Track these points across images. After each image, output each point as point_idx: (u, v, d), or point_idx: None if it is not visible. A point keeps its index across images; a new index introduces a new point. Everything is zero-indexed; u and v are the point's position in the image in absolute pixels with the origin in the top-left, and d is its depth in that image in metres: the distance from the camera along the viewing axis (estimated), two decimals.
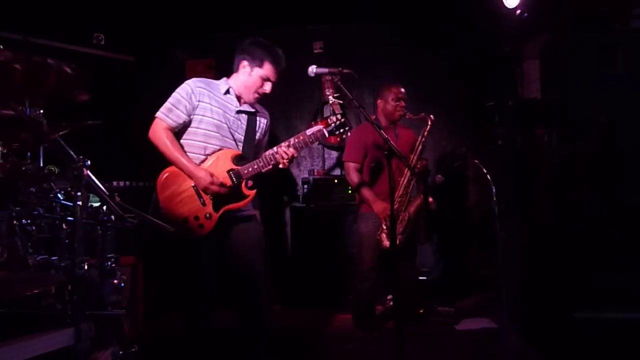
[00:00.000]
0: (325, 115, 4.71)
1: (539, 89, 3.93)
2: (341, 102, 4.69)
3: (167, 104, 2.39)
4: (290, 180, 4.69)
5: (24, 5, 3.98)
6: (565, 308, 3.02)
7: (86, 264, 1.48)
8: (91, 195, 3.52)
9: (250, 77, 2.49)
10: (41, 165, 2.27)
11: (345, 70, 2.43)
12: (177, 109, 2.38)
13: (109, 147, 4.40)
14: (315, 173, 4.29)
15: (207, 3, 4.39)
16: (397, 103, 3.38)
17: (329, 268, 4.06)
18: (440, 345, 3.24)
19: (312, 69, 2.47)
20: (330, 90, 4.66)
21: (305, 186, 4.23)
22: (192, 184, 2.36)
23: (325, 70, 2.47)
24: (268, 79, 2.51)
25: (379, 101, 3.45)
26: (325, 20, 4.73)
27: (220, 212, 2.39)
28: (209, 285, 2.48)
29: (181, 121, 2.39)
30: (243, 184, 2.44)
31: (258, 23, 4.52)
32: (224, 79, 2.56)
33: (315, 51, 4.76)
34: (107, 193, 2.00)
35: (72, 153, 1.85)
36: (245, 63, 2.49)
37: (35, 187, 1.89)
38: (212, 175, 2.36)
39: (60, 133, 2.13)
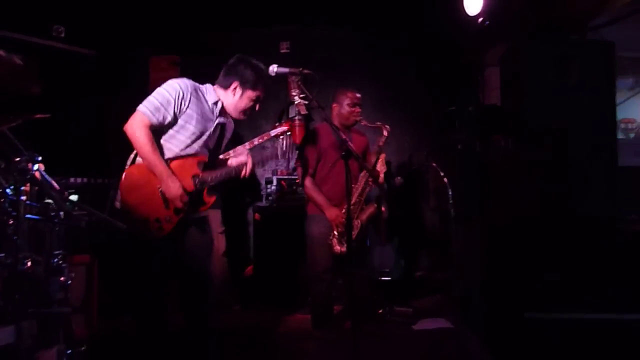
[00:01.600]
0: (290, 116, 4.72)
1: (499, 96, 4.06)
2: (307, 102, 4.74)
3: (154, 102, 2.30)
4: (254, 180, 4.68)
5: None
6: (518, 309, 3.12)
7: (30, 260, 1.44)
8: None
9: (241, 99, 2.50)
10: None
11: (305, 71, 2.46)
12: (166, 109, 2.31)
13: (68, 143, 4.30)
14: (279, 173, 4.28)
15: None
16: (353, 108, 3.39)
17: (290, 268, 4.06)
18: (396, 344, 3.28)
19: (273, 68, 2.48)
20: (297, 91, 4.63)
21: (269, 186, 4.22)
22: (159, 187, 2.33)
23: (286, 70, 2.48)
24: (258, 99, 2.55)
25: (333, 105, 3.45)
26: (293, 21, 4.74)
27: (180, 216, 2.38)
28: (162, 285, 2.47)
29: (165, 122, 2.34)
30: (205, 190, 2.45)
31: (225, 21, 4.51)
32: (211, 87, 2.52)
33: (282, 51, 4.77)
34: (59, 189, 1.97)
35: (20, 147, 1.81)
36: (236, 84, 2.48)
37: None
38: (182, 187, 2.33)
39: (8, 126, 2.06)
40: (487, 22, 3.91)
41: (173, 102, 2.31)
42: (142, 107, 2.28)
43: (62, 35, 4.38)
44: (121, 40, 4.75)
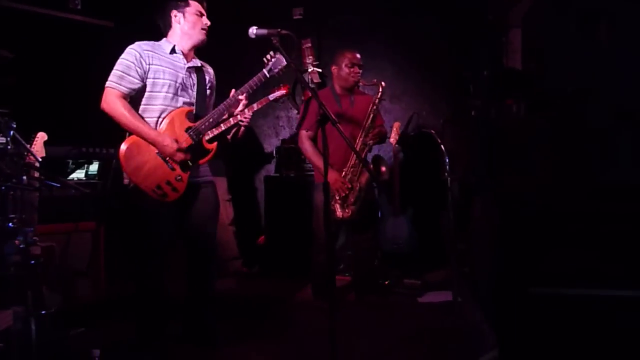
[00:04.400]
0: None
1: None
2: (320, 70, 4.64)
3: (115, 72, 2.34)
4: (262, 150, 4.66)
5: None
6: (523, 283, 2.97)
7: None
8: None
9: (186, 20, 2.48)
10: None
11: (283, 32, 2.35)
12: (129, 75, 2.34)
13: (87, 114, 4.41)
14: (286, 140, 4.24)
15: None
16: (352, 69, 3.30)
17: (299, 238, 4.04)
18: (397, 315, 3.22)
19: (252, 31, 2.39)
20: (310, 58, 4.55)
21: (277, 155, 4.19)
22: (157, 151, 2.35)
23: (265, 31, 2.38)
24: (201, 12, 2.52)
25: (333, 67, 3.39)
26: None
27: (188, 172, 2.43)
28: (165, 250, 2.51)
29: (135, 87, 2.36)
30: (204, 139, 2.48)
31: None
32: (164, 39, 2.53)
33: (295, 17, 4.65)
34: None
35: None
36: (174, 12, 2.48)
37: None
38: (176, 140, 2.36)
39: None
40: None
41: (133, 65, 2.33)
42: (108, 82, 2.33)
43: (79, 7, 4.43)
44: (139, 10, 4.77)
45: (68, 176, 3.71)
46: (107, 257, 3.36)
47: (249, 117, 3.76)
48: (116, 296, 3.32)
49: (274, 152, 4.32)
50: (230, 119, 3.69)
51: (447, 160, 2.90)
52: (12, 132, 1.95)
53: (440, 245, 4.33)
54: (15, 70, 3.12)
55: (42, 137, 3.00)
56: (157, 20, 2.54)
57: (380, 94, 3.22)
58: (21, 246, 1.72)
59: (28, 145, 2.81)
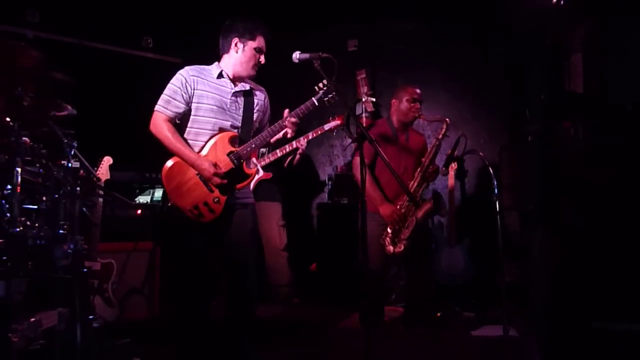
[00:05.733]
0: (357, 113, 4.67)
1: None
2: (374, 100, 4.69)
3: (163, 97, 2.44)
4: (317, 177, 4.71)
5: (79, 13, 4.41)
6: (585, 317, 2.75)
7: (22, 225, 1.61)
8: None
9: (244, 52, 2.54)
10: None
11: (324, 55, 2.42)
12: (175, 99, 2.43)
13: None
14: (339, 169, 4.27)
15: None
16: (413, 104, 3.28)
17: (351, 265, 4.00)
18: (443, 347, 3.07)
19: (296, 55, 2.48)
20: (365, 89, 4.62)
21: (330, 182, 4.23)
22: (197, 173, 2.42)
23: (307, 55, 2.46)
24: (261, 50, 2.57)
25: (393, 101, 3.36)
26: (360, 19, 4.70)
27: (227, 195, 2.45)
28: (203, 272, 2.53)
29: (180, 111, 2.45)
30: (244, 164, 2.51)
31: (294, 22, 4.61)
32: (215, 63, 2.61)
33: (350, 49, 4.76)
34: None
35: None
36: (236, 40, 2.54)
37: None
38: (215, 165, 2.41)
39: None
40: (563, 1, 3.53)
41: (179, 90, 2.42)
42: (156, 106, 2.44)
43: (150, 45, 4.81)
44: (205, 47, 5.09)
45: (134, 199, 3.96)
46: (163, 277, 3.49)
47: (304, 144, 3.84)
48: (168, 315, 3.43)
49: (327, 179, 4.36)
50: (287, 146, 3.79)
51: (496, 189, 2.77)
52: (73, 151, 2.12)
53: (497, 278, 4.12)
54: (90, 101, 3.42)
55: (107, 160, 3.24)
56: (219, 38, 2.61)
57: (444, 130, 3.18)
58: (69, 251, 1.84)
59: (94, 169, 3.05)
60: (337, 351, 2.99)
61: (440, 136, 3.22)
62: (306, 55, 2.50)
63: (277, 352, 2.91)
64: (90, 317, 1.94)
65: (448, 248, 4.11)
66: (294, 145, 3.74)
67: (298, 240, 4.31)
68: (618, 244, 2.85)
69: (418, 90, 3.35)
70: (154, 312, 3.44)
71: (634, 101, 2.90)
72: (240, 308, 2.57)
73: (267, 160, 3.83)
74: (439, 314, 3.56)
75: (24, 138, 1.65)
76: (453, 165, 4.19)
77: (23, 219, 1.60)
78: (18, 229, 1.57)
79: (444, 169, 3.03)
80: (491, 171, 2.63)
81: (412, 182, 3.20)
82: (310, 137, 3.75)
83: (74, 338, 1.83)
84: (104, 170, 3.18)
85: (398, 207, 3.15)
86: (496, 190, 2.58)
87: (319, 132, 3.75)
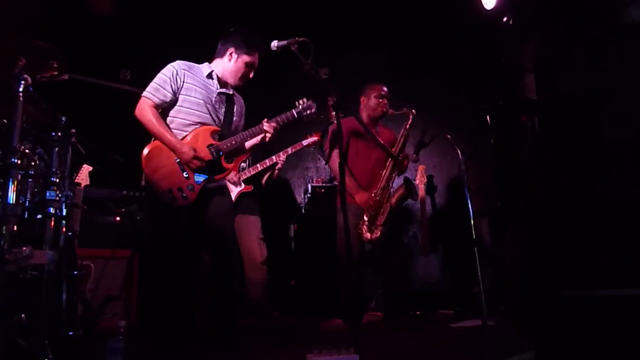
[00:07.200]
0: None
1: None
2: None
3: (153, 84, 2.57)
4: (291, 191, 4.82)
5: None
6: (555, 287, 2.85)
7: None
8: None
9: (236, 63, 2.71)
10: None
11: (301, 39, 2.62)
12: (164, 88, 2.56)
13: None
14: (314, 181, 4.40)
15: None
16: (381, 100, 3.51)
17: (328, 275, 4.03)
18: (425, 334, 3.10)
19: (274, 44, 2.67)
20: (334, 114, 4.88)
21: (306, 195, 4.34)
22: (176, 159, 2.52)
23: (285, 42, 2.66)
24: (252, 66, 2.74)
25: (362, 98, 3.59)
26: (329, 48, 5.04)
27: (202, 184, 2.55)
28: (185, 254, 2.59)
29: (167, 100, 2.56)
30: (222, 158, 2.63)
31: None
32: (206, 63, 2.77)
33: (322, 77, 5.03)
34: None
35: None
36: (232, 50, 2.71)
37: None
38: (194, 150, 2.53)
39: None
40: (511, 21, 3.93)
41: (169, 80, 2.56)
42: (144, 92, 2.57)
43: (128, 77, 5.00)
44: None
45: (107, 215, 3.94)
46: (140, 285, 3.44)
47: (284, 159, 3.98)
48: (146, 323, 3.35)
49: (303, 193, 4.47)
50: (266, 160, 3.92)
51: (468, 196, 2.94)
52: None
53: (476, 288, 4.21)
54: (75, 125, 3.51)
55: (86, 168, 3.32)
56: (218, 40, 2.78)
57: (410, 120, 3.40)
58: (59, 196, 1.89)
59: (74, 175, 3.10)
60: (325, 337, 2.98)
61: (408, 126, 3.43)
62: (284, 42, 2.70)
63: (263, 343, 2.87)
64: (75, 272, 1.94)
65: (423, 257, 4.22)
66: (274, 160, 3.88)
67: (277, 254, 4.33)
68: (582, 222, 3.01)
69: (385, 88, 3.58)
70: (132, 323, 3.35)
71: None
72: (228, 286, 2.62)
73: (248, 174, 3.93)
74: (418, 312, 3.61)
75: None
76: (423, 178, 4.41)
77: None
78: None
79: (414, 155, 3.21)
80: (462, 166, 2.82)
81: (384, 171, 3.35)
82: (289, 152, 3.90)
83: (60, 290, 1.83)
84: (83, 175, 3.24)
85: (373, 194, 3.28)
86: (468, 195, 2.75)
87: (298, 148, 3.92)
